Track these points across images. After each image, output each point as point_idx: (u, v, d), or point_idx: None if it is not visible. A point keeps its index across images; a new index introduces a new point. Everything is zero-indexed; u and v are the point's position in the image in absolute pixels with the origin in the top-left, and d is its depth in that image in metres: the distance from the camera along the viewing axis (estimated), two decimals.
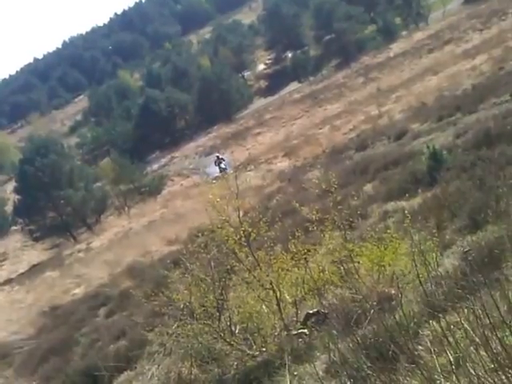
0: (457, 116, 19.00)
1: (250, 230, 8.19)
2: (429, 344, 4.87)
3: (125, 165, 45.73)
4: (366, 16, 70.14)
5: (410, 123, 23.48)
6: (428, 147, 12.43)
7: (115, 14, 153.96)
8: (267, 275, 8.08)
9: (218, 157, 38.87)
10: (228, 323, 8.22)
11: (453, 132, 15.87)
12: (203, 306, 8.25)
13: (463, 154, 11.82)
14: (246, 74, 78.06)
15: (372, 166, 16.43)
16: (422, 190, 11.40)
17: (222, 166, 37.10)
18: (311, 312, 7.97)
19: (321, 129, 39.39)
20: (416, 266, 6.35)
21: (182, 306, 8.44)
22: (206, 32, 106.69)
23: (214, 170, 37.07)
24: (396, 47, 58.15)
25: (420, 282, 5.96)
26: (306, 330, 7.76)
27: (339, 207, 8.58)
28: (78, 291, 21.91)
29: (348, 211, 10.44)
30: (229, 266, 8.68)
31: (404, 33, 63.05)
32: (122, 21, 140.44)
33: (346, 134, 32.70)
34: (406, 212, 9.13)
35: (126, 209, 40.34)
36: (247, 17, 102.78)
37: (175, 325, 8.61)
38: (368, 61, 58.54)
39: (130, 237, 29.13)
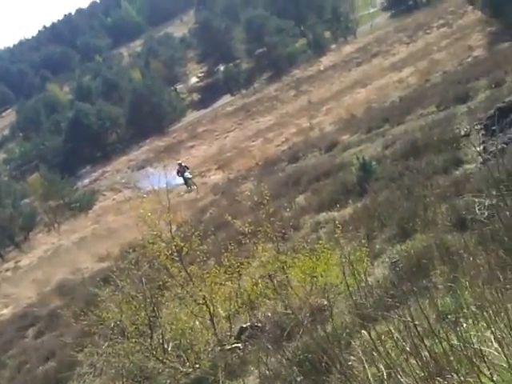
0: (385, 127, 19.42)
1: (182, 244, 8.08)
2: (360, 354, 4.87)
3: (54, 180, 44.49)
4: (296, 30, 71.11)
5: (340, 135, 23.87)
6: (358, 158, 12.64)
7: (44, 26, 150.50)
8: (200, 290, 7.97)
9: (180, 164, 32.21)
10: (160, 340, 8.04)
11: (381, 143, 16.19)
12: (134, 324, 8.05)
13: (392, 164, 12.06)
14: (179, 86, 77.63)
15: (304, 177, 16.55)
16: (352, 200, 11.56)
17: (187, 174, 31.15)
18: (245, 326, 7.90)
19: (254, 141, 39.61)
20: (346, 276, 6.39)
21: (112, 324, 8.21)
22: (137, 45, 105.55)
23: (148, 184, 34.97)
24: (326, 60, 59.22)
25: (349, 293, 5.99)
26: (239, 345, 7.68)
27: (272, 219, 8.59)
28: (6, 312, 21.09)
29: (281, 223, 10.48)
30: (161, 282, 8.53)
31: (333, 46, 64.27)
32: (51, 33, 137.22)
33: (279, 146, 33.00)
34: (337, 222, 9.26)
35: (56, 225, 39.18)
36: (179, 30, 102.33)
37: (106, 344, 8.35)
38: (299, 74, 59.35)
39: (60, 254, 28.28)
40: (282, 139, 35.20)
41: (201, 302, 7.96)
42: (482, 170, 8.60)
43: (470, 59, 30.42)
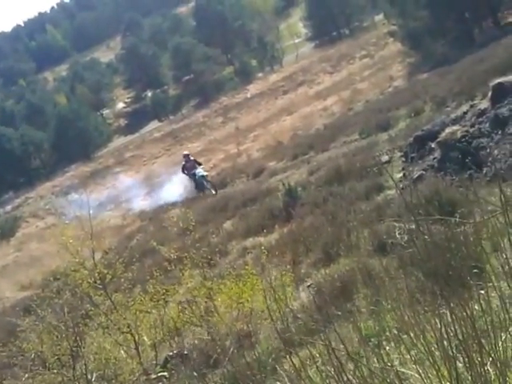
0: (310, 154, 19.81)
1: (105, 271, 7.92)
2: (286, 380, 4.89)
3: None
4: (223, 57, 71.90)
5: (267, 161, 24.16)
6: (284, 184, 12.82)
7: None
8: (124, 318, 7.82)
9: (187, 156, 23.54)
10: (83, 371, 7.79)
11: (307, 169, 16.49)
12: (56, 355, 7.78)
13: (316, 190, 12.29)
14: (105, 112, 76.70)
15: (232, 203, 16.60)
16: (278, 225, 11.67)
17: (200, 171, 22.42)
18: (171, 354, 7.78)
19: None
20: (272, 301, 6.43)
21: (33, 355, 7.91)
22: (63, 69, 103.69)
23: (72, 210, 33.89)
24: (253, 88, 59.99)
25: (272, 319, 6.01)
26: (166, 373, 7.54)
27: (198, 245, 8.55)
28: None
29: (207, 249, 10.47)
30: (84, 311, 8.31)
31: (260, 74, 65.27)
32: None
33: (207, 172, 33.00)
34: (264, 248, 9.33)
35: None
36: (105, 55, 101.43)
37: (26, 376, 8.03)
38: (226, 101, 59.81)
39: None
40: (211, 165, 35.22)
41: (125, 330, 7.79)
42: (402, 196, 8.89)
43: (390, 89, 31.58)
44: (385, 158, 12.82)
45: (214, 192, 21.64)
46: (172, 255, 8.25)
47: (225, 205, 16.99)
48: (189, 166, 23.01)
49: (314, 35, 68.53)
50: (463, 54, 25.19)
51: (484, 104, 9.54)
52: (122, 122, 74.20)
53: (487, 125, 8.77)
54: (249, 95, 58.37)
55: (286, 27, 74.27)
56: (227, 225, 14.47)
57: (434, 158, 9.71)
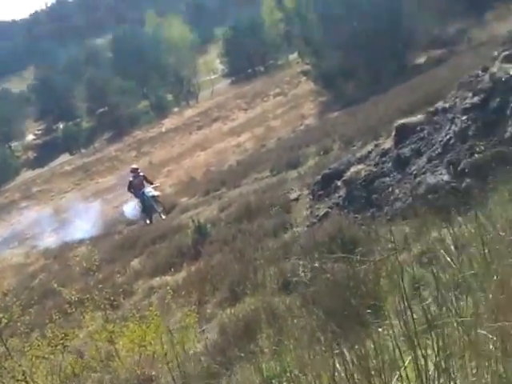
0: (222, 190, 19.78)
1: (0, 315, 7.47)
2: None
3: None
4: (139, 91, 71.38)
5: (179, 197, 23.90)
6: (193, 221, 12.68)
7: None
8: (20, 365, 7.37)
9: (135, 171, 20.14)
10: None
11: (218, 206, 16.41)
12: None
13: (226, 227, 12.21)
14: (14, 144, 73.99)
15: (141, 240, 16.24)
16: (187, 263, 11.48)
17: (149, 191, 19.21)
18: None
19: (91, 202, 38.46)
20: (176, 343, 6.25)
21: None
22: None
23: None
24: (168, 123, 59.83)
25: (178, 362, 5.84)
26: None
27: (102, 285, 8.25)
28: None
29: (112, 289, 10.13)
30: None
31: (176, 109, 65.24)
32: None
33: (117, 207, 32.35)
34: (170, 287, 9.13)
35: None
36: (17, 86, 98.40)
37: None
38: (141, 135, 59.29)
39: None
40: (122, 200, 34.58)
41: (20, 378, 7.34)
42: (308, 233, 8.97)
43: (302, 127, 32.28)
44: (293, 195, 12.96)
45: (163, 217, 19.01)
46: (73, 297, 7.91)
47: (133, 242, 16.60)
48: (136, 184, 19.44)
49: (230, 72, 69.46)
50: (372, 94, 26.14)
51: (388, 144, 9.84)
52: (31, 154, 71.82)
53: (390, 164, 9.03)
54: (163, 130, 58.12)
55: (203, 63, 74.79)
56: (135, 263, 14.11)
57: (340, 196, 9.88)
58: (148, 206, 19.34)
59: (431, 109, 9.14)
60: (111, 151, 58.27)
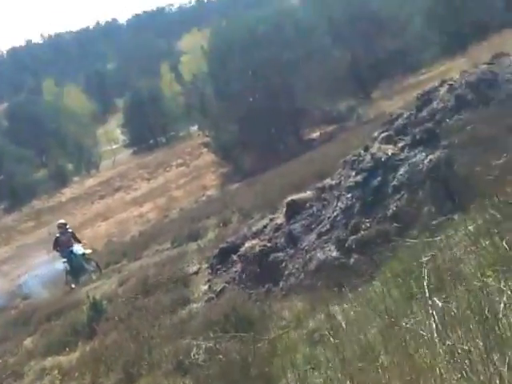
0: (123, 263, 19.44)
1: None
2: None
3: None
4: (38, 159, 69.75)
5: None
6: (88, 297, 12.39)
7: None
8: None
9: (63, 227, 18.61)
10: None
11: (117, 279, 16.11)
12: None
13: (123, 303, 11.99)
14: None
15: (35, 316, 15.56)
16: (82, 342, 11.11)
17: (78, 249, 18.05)
18: None
19: None
20: None
21: None
22: None
23: None
24: (68, 192, 58.57)
25: None
26: None
27: None
28: None
29: (1, 371, 9.67)
30: None
31: (76, 178, 64.09)
32: None
33: (14, 280, 30.98)
34: (61, 370, 8.82)
35: None
36: None
37: None
38: (39, 204, 57.57)
39: None
40: (18, 272, 33.19)
41: None
42: (205, 310, 9.02)
43: (204, 198, 32.57)
44: (193, 268, 12.99)
45: (94, 277, 17.61)
46: None
47: (28, 318, 15.87)
48: (64, 241, 17.93)
49: (131, 142, 69.41)
50: (269, 167, 26.96)
51: (280, 219, 10.18)
52: None
53: (282, 239, 9.33)
54: (63, 199, 56.78)
55: (103, 133, 74.54)
56: (28, 342, 13.47)
57: (236, 271, 10.04)
58: (76, 267, 17.89)
59: (320, 185, 9.61)
60: (8, 221, 56.07)
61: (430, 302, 3.72)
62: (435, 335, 3.38)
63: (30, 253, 38.93)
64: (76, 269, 17.86)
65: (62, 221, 20.28)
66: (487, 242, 4.27)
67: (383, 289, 5.45)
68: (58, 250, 18.47)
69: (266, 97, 33.20)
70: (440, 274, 4.38)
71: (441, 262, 4.26)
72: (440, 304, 3.58)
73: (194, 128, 56.38)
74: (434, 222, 6.14)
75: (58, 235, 18.39)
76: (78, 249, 18.08)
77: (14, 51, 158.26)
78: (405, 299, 4.58)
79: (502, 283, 3.60)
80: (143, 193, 45.44)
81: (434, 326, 3.44)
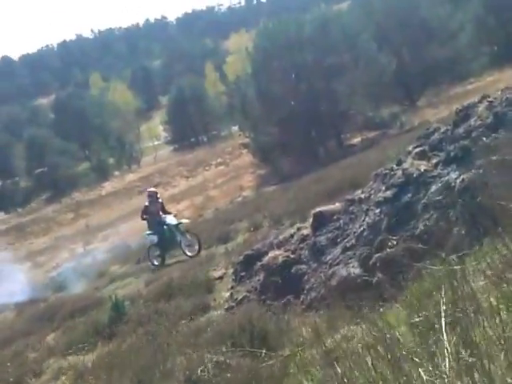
0: None
1: None
2: None
3: None
4: (80, 153, 70.87)
5: (111, 265, 23.29)
6: (111, 297, 12.26)
7: None
8: None
9: (154, 196, 17.23)
10: None
11: (145, 279, 15.97)
12: None
13: (144, 305, 11.82)
14: None
15: (61, 312, 15.53)
16: (102, 343, 11.00)
17: (171, 219, 16.58)
18: None
19: (21, 265, 37.14)
20: None
21: None
22: None
23: None
24: (108, 186, 59.30)
25: None
26: None
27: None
28: None
29: (21, 368, 9.65)
30: None
31: (117, 173, 64.86)
32: None
33: (48, 271, 31.36)
34: (77, 371, 8.70)
35: None
36: None
37: None
38: (79, 197, 58.48)
39: None
40: (53, 264, 33.63)
41: None
42: (222, 320, 8.79)
43: (240, 198, 32.40)
44: (218, 273, 12.77)
45: (194, 253, 15.58)
46: None
47: (54, 314, 15.83)
48: (153, 211, 16.55)
49: (173, 139, 69.97)
50: (307, 171, 26.60)
51: (308, 229, 9.85)
52: None
53: (307, 252, 9.02)
54: (103, 193, 57.50)
55: (146, 129, 75.21)
56: (50, 338, 13.43)
57: (259, 280, 9.76)
58: (167, 239, 16.28)
59: (350, 197, 9.26)
60: (48, 212, 57.10)
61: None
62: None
63: (67, 244, 39.49)
64: (167, 241, 16.36)
65: (152, 189, 19.28)
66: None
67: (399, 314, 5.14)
68: (145, 219, 17.01)
69: (307, 100, 32.85)
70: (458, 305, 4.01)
71: (460, 293, 3.90)
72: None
73: (236, 128, 56.48)
74: (461, 247, 5.75)
75: (147, 204, 17.04)
76: (171, 219, 16.53)
77: (64, 45, 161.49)
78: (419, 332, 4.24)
79: None
80: (181, 190, 45.63)
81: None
